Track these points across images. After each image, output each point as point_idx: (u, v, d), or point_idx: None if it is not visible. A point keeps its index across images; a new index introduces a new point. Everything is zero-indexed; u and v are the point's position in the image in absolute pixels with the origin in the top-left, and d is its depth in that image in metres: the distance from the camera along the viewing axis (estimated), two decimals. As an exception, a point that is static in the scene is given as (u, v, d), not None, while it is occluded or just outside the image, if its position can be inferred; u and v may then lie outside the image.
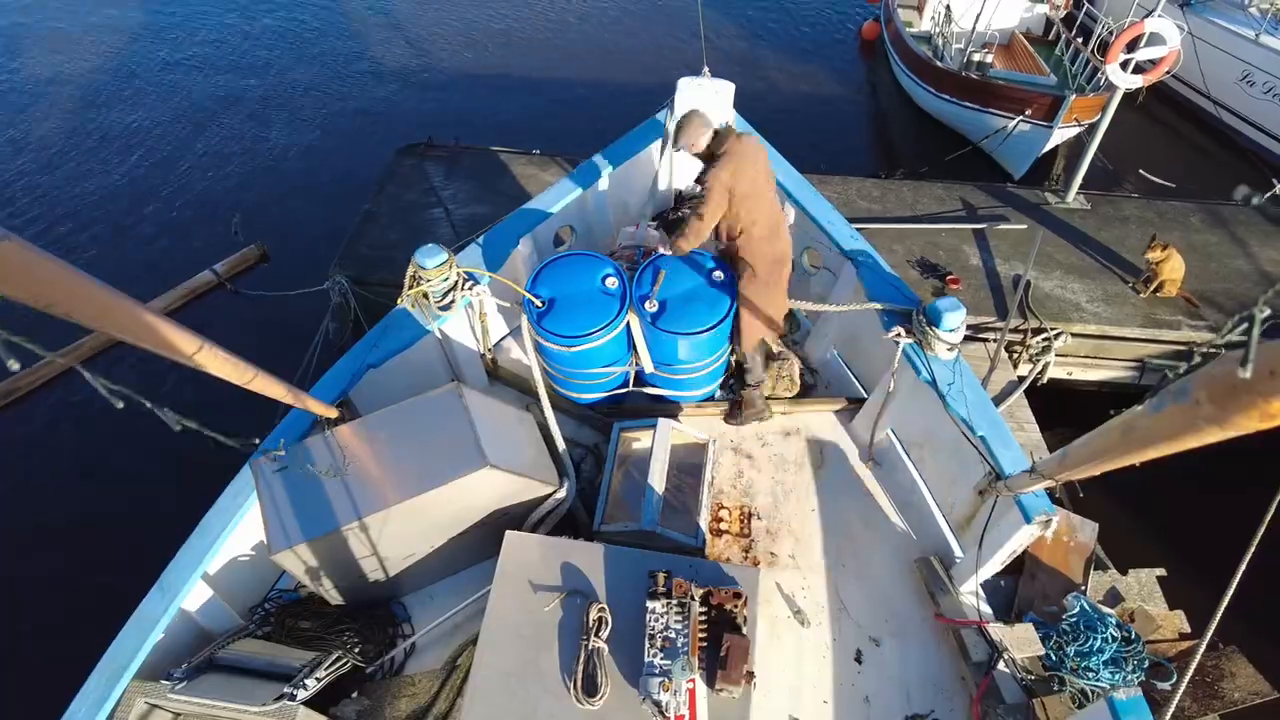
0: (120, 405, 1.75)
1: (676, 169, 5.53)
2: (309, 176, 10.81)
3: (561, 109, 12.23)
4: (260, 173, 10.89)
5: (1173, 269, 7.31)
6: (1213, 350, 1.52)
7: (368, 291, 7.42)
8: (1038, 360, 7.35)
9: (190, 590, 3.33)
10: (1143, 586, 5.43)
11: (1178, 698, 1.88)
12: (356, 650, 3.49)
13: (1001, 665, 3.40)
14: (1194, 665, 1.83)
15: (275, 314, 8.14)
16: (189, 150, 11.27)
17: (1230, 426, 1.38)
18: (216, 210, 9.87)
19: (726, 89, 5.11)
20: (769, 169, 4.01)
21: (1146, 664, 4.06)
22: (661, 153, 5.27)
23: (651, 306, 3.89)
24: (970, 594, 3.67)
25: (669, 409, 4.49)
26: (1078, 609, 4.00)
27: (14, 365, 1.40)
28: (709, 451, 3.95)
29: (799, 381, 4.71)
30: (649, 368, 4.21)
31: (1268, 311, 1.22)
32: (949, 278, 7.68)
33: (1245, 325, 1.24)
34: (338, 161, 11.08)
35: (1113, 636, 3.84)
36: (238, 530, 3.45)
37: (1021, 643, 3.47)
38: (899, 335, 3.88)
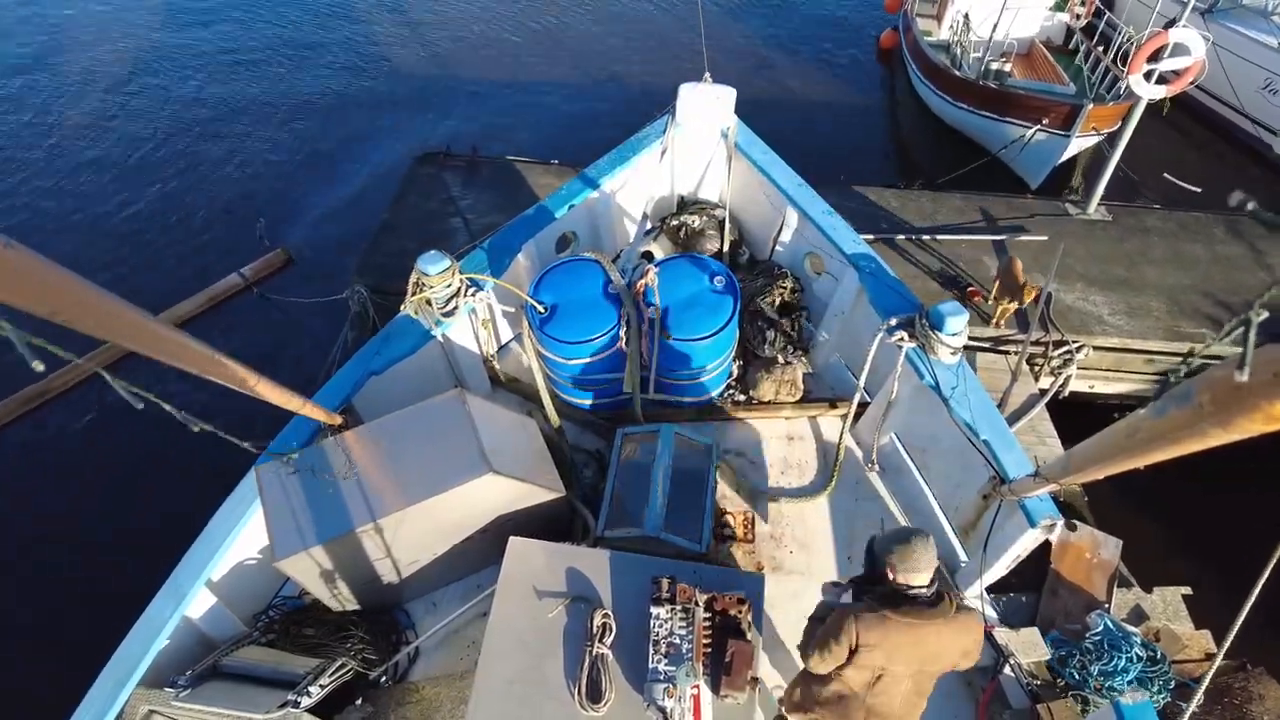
0: (140, 406, 1.78)
1: (677, 174, 5.55)
2: (333, 182, 10.95)
3: (578, 118, 12.27)
4: (285, 179, 11.05)
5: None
6: (1207, 356, 1.49)
7: (386, 300, 7.47)
8: (1059, 373, 7.23)
9: (194, 597, 3.34)
10: (1168, 605, 5.28)
11: (1191, 709, 1.81)
12: (360, 657, 3.48)
13: (1007, 670, 3.34)
14: (1209, 677, 1.77)
15: (299, 318, 8.27)
16: (215, 156, 11.46)
17: (1233, 429, 1.37)
18: (243, 215, 10.00)
19: (728, 94, 5.12)
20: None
21: (1172, 684, 3.94)
22: (662, 158, 5.27)
23: (654, 313, 3.88)
24: (975, 598, 3.61)
25: (673, 414, 4.47)
26: (1101, 627, 3.91)
27: (39, 367, 1.42)
28: (712, 456, 3.92)
29: (802, 387, 4.69)
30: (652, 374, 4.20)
31: (1264, 315, 1.20)
32: (969, 289, 7.59)
33: (1242, 329, 1.22)
34: (361, 167, 11.21)
35: (1138, 656, 3.76)
36: (241, 537, 3.47)
37: (1027, 647, 3.41)
38: (902, 339, 3.83)
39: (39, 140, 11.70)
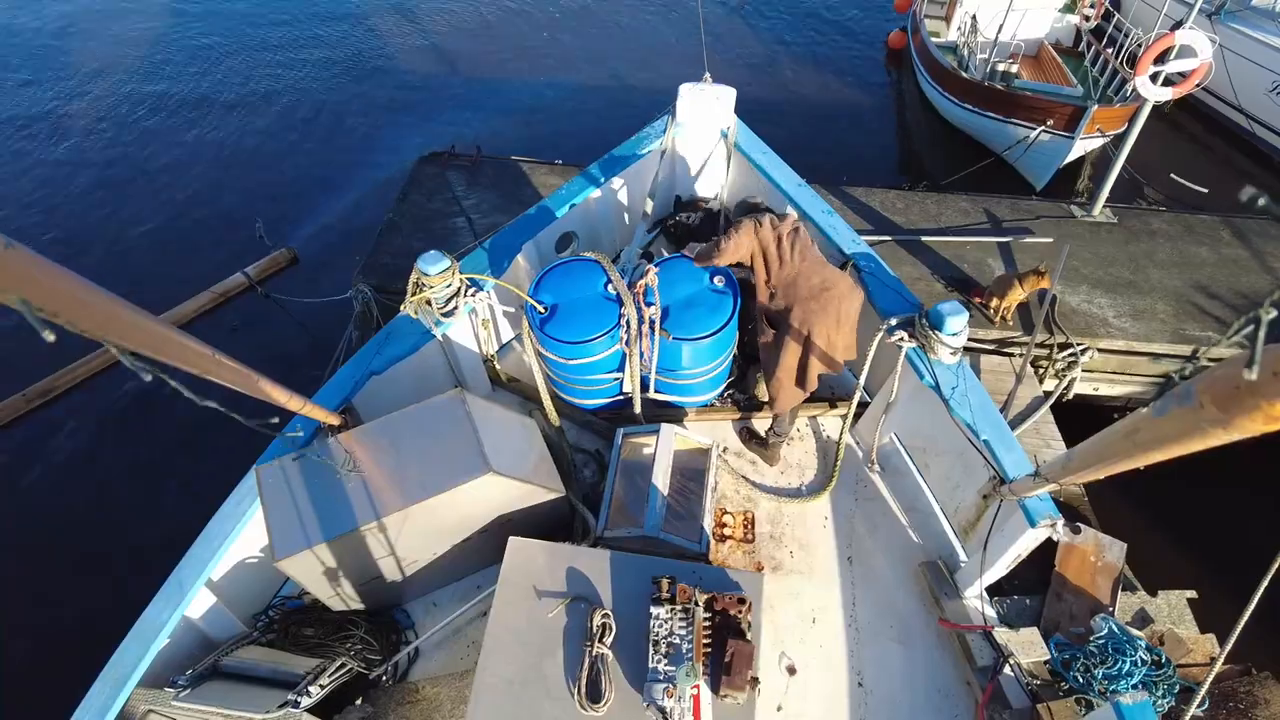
0: (148, 378, 1.77)
1: (677, 174, 5.54)
2: (338, 181, 10.97)
3: (578, 118, 12.27)
4: (291, 178, 11.08)
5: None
6: (1213, 358, 1.47)
7: (390, 300, 7.48)
8: (1064, 376, 7.20)
9: (194, 597, 3.34)
10: (1173, 609, 5.26)
11: (1192, 711, 1.80)
12: (360, 657, 3.48)
13: (1007, 670, 3.34)
14: (1210, 679, 1.75)
15: (304, 317, 8.29)
16: (220, 155, 11.52)
17: (1234, 429, 1.36)
18: (247, 214, 9.98)
19: (728, 95, 5.12)
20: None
21: (1177, 688, 3.92)
22: (662, 158, 5.27)
23: (654, 313, 3.87)
24: (975, 598, 3.61)
25: (672, 414, 4.46)
26: (1106, 631, 3.90)
27: (50, 337, 1.42)
28: (712, 457, 3.91)
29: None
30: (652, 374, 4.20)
31: (1274, 313, 1.18)
32: (974, 291, 7.57)
33: (1250, 328, 1.21)
34: (366, 166, 11.24)
35: (1142, 660, 3.74)
36: (241, 537, 3.46)
37: (1026, 647, 3.41)
38: (902, 339, 3.83)
39: (37, 140, 11.74)
